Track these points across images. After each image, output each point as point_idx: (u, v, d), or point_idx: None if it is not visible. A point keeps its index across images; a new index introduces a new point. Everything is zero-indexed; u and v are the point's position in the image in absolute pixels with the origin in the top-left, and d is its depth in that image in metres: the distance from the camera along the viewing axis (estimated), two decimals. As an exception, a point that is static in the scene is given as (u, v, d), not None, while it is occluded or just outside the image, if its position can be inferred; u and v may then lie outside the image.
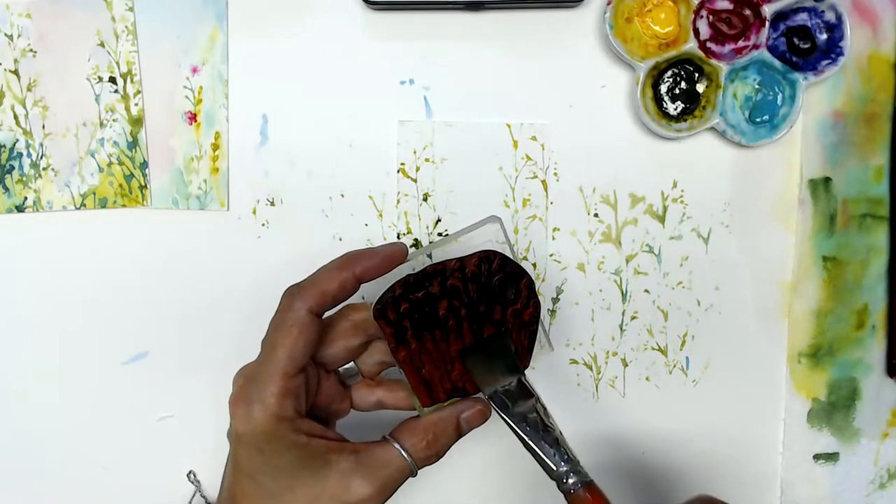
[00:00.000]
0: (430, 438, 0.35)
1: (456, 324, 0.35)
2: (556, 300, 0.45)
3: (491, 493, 0.46)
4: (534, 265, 0.45)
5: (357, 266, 0.34)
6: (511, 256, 0.36)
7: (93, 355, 0.44)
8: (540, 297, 0.37)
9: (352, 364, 0.38)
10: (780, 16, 0.42)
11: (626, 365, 0.46)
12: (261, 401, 0.32)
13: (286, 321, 0.33)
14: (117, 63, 0.43)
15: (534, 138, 0.44)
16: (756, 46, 0.42)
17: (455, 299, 0.35)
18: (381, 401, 0.38)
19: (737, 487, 0.46)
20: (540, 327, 0.37)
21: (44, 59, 0.43)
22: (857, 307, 0.46)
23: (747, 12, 0.42)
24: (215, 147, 0.43)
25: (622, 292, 0.45)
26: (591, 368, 0.46)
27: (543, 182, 0.44)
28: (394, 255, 0.35)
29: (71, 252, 0.44)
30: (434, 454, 0.35)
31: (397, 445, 0.34)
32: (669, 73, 0.43)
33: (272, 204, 0.44)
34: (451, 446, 0.36)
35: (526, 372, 0.37)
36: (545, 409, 0.36)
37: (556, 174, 0.44)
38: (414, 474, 0.35)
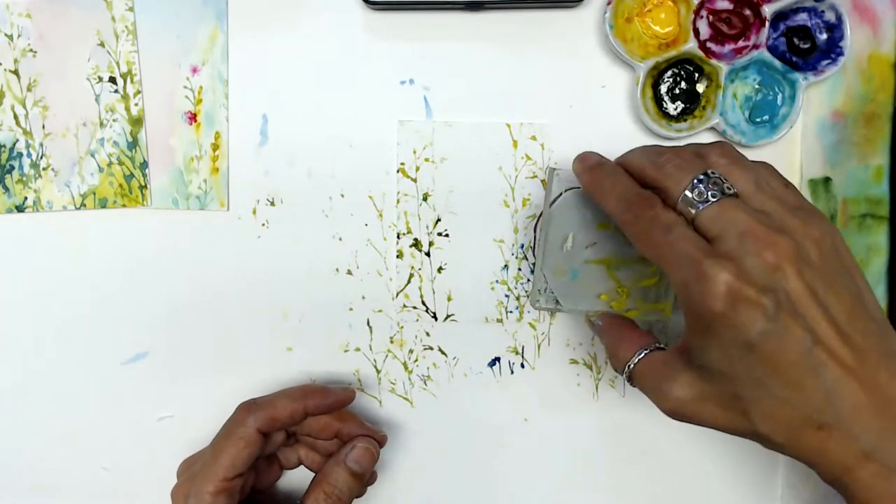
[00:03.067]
0: (326, 490, 0.38)
1: None
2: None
3: None
4: (534, 265, 0.45)
5: (310, 402, 0.39)
6: None
7: (93, 355, 0.45)
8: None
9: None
10: (780, 16, 0.42)
11: (626, 365, 0.46)
12: (197, 496, 0.37)
13: (236, 433, 0.38)
14: (117, 63, 0.43)
15: (533, 138, 0.44)
16: (756, 46, 0.42)
17: None
18: (301, 459, 0.43)
19: (737, 487, 0.46)
20: None
21: (44, 59, 0.43)
22: (858, 307, 0.46)
23: (747, 12, 0.42)
24: (215, 147, 0.43)
25: (622, 292, 0.45)
26: (591, 368, 0.46)
27: (543, 182, 0.44)
28: (344, 399, 0.41)
29: (71, 252, 0.44)
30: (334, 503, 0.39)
31: None
32: (669, 73, 0.43)
33: (272, 204, 0.44)
34: (353, 491, 0.39)
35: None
36: None
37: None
38: None
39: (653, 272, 0.41)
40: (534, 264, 0.44)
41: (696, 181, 0.32)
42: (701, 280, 0.29)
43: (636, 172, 0.35)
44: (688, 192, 0.32)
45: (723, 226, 0.30)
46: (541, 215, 0.42)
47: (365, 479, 0.40)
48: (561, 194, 0.40)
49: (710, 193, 0.31)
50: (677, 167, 0.33)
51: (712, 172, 0.32)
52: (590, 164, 0.37)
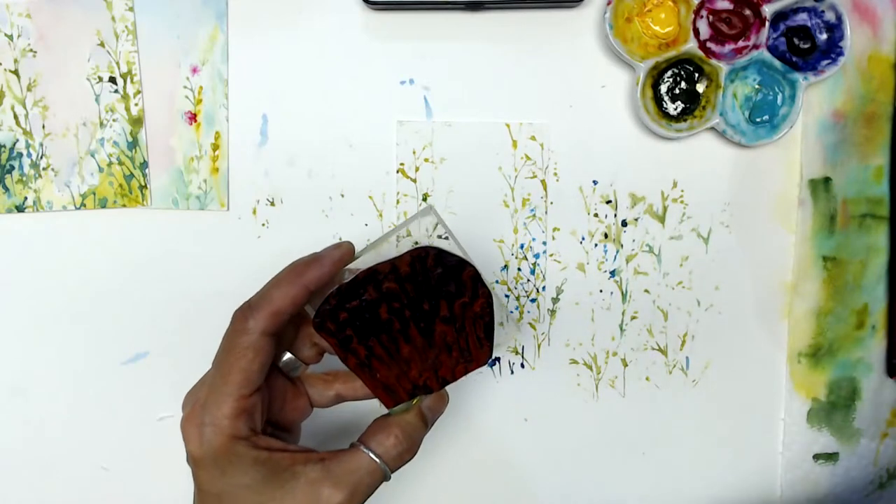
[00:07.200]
0: (397, 435, 0.34)
1: (402, 325, 0.34)
2: (556, 300, 0.45)
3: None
4: (533, 265, 0.45)
5: (306, 277, 0.34)
6: (453, 247, 0.35)
7: (93, 355, 0.45)
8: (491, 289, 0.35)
9: (290, 356, 0.37)
10: (780, 16, 0.42)
11: (626, 365, 0.46)
12: (213, 423, 0.32)
13: (240, 343, 0.33)
14: (117, 63, 0.43)
15: (533, 138, 0.44)
16: (756, 46, 0.42)
17: (394, 301, 0.34)
18: (340, 394, 0.38)
19: (737, 487, 0.46)
20: (498, 309, 0.35)
21: (44, 59, 0.43)
22: (857, 307, 0.46)
23: (747, 12, 0.42)
24: (215, 147, 0.43)
25: (622, 292, 0.45)
26: (591, 368, 0.46)
27: (543, 182, 0.44)
28: (341, 258, 0.35)
29: (71, 252, 0.44)
30: (405, 450, 0.34)
31: (365, 449, 0.34)
32: (669, 73, 0.43)
33: (272, 204, 0.44)
34: (421, 440, 0.35)
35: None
36: None
37: (555, 174, 0.44)
38: (388, 477, 0.34)
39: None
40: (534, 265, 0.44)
41: None
42: None
43: None
44: None
45: None
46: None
47: (429, 428, 0.36)
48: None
49: None
50: None
51: None
52: None
